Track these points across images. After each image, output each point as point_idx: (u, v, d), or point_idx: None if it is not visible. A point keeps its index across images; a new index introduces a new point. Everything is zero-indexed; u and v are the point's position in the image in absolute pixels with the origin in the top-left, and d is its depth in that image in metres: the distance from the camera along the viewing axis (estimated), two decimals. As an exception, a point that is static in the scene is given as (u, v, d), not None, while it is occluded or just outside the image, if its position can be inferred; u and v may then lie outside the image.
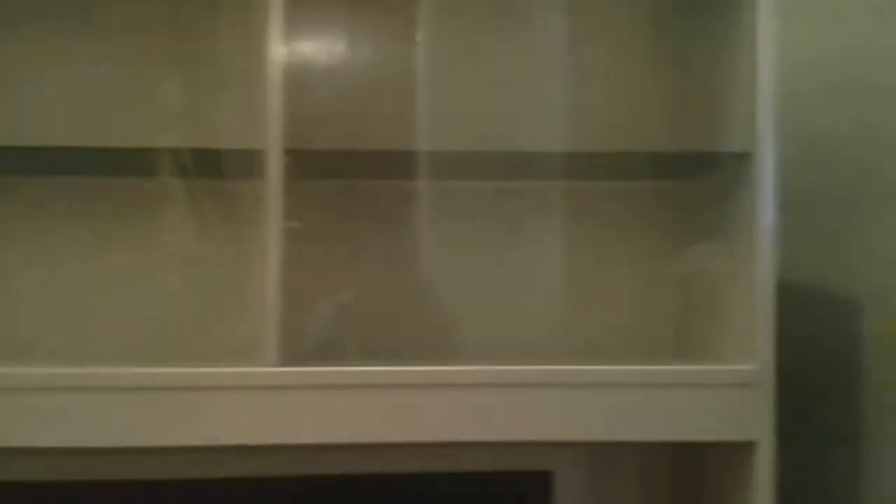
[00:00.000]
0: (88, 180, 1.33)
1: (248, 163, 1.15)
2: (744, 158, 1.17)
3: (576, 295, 1.40)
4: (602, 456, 1.41)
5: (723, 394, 1.14)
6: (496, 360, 1.17)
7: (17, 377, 1.06)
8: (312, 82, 1.36)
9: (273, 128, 1.11)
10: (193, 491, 1.29)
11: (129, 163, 1.27)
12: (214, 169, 1.29)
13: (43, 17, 1.34)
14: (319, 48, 1.37)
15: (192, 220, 1.34)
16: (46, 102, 1.33)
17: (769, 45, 1.15)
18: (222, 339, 1.29)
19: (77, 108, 1.34)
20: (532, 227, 1.41)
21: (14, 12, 1.34)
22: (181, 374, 1.08)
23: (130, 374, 1.08)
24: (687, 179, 1.38)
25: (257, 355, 1.09)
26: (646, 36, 1.42)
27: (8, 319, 1.32)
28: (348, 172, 1.33)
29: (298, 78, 1.23)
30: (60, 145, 1.22)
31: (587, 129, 1.37)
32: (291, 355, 1.11)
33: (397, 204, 1.37)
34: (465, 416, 1.11)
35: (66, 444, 1.06)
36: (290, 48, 1.17)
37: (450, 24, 1.39)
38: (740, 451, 1.16)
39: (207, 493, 1.30)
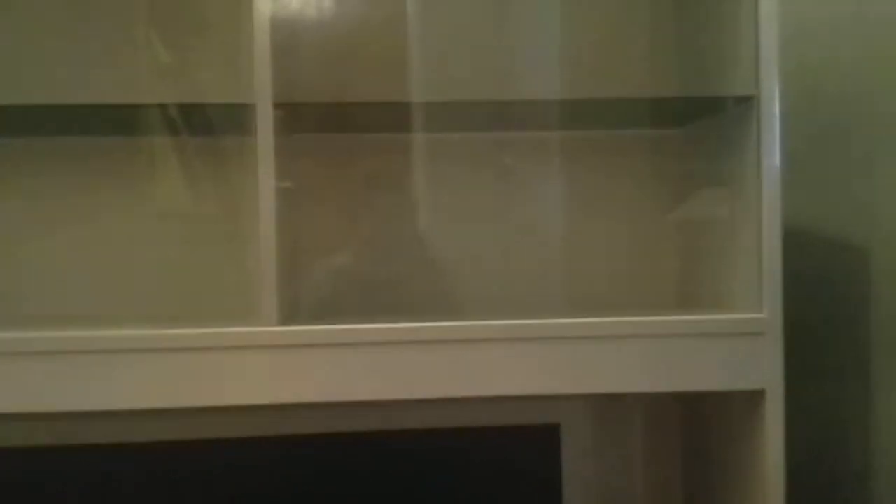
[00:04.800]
0: (75, 139, 1.29)
1: (239, 118, 1.11)
2: (747, 102, 1.14)
3: (577, 246, 1.38)
4: (609, 408, 1.39)
5: (731, 343, 1.12)
6: (498, 315, 1.15)
7: (17, 342, 1.03)
8: (301, 34, 1.31)
9: (262, 82, 1.07)
10: (193, 452, 1.29)
11: (117, 120, 1.23)
12: (205, 125, 1.26)
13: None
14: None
15: (184, 177, 1.30)
16: (27, 61, 1.29)
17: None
18: (221, 299, 1.27)
19: (60, 65, 1.29)
20: (530, 178, 1.38)
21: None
22: (177, 335, 1.06)
23: (125, 336, 1.05)
24: (690, 125, 1.35)
25: (256, 315, 1.07)
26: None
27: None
28: (341, 126, 1.30)
29: (286, 30, 1.18)
30: (45, 103, 1.17)
31: (585, 76, 1.34)
32: (290, 314, 1.08)
33: (392, 157, 1.34)
34: (469, 371, 1.09)
35: (64, 408, 1.04)
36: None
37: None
38: (750, 399, 1.14)
39: (207, 453, 1.29)
